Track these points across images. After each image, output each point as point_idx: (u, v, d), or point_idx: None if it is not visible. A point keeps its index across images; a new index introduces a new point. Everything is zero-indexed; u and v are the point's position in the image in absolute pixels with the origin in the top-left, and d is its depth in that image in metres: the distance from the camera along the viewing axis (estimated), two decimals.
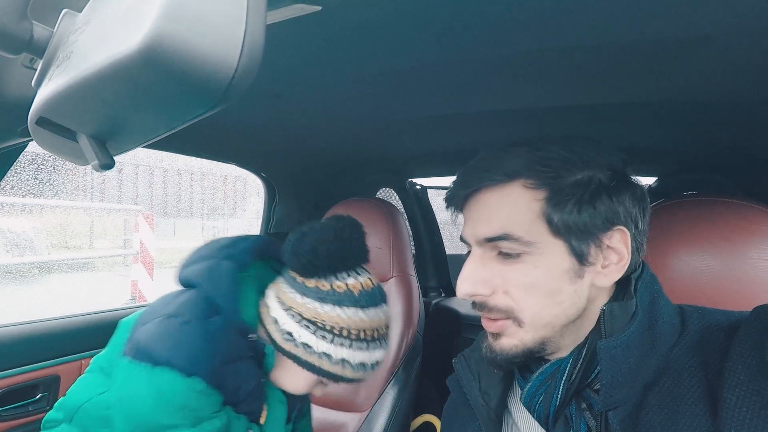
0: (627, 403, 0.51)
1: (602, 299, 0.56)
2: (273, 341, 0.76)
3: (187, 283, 0.76)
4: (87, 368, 0.75)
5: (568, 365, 0.54)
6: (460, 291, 0.55)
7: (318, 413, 1.25)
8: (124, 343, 0.69)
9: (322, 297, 0.74)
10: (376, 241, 1.35)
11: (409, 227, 1.77)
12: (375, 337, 0.77)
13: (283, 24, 0.49)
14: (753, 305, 0.51)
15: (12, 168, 0.76)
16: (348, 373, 0.75)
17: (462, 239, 0.59)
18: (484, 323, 0.57)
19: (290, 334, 0.74)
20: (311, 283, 0.75)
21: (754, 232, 0.69)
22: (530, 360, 0.56)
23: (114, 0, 0.26)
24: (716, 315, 0.54)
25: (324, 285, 0.75)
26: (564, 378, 0.53)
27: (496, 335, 0.56)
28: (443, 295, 1.85)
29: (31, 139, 0.65)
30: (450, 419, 0.72)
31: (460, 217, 0.61)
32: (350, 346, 0.74)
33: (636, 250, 0.54)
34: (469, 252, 0.59)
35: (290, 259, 0.75)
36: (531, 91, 0.78)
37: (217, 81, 0.23)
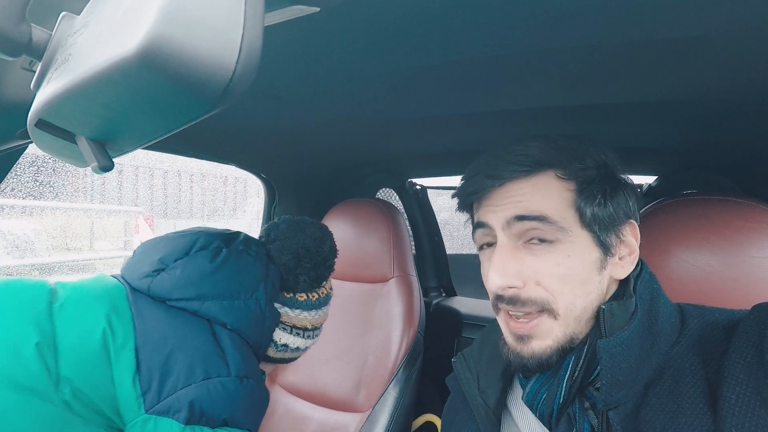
0: (627, 402, 0.50)
1: (609, 295, 0.56)
2: (265, 356, 0.81)
3: (205, 315, 0.68)
4: None
5: (571, 362, 0.53)
6: (493, 284, 0.53)
7: (319, 414, 1.25)
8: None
9: (309, 306, 0.82)
10: (374, 242, 1.35)
11: (409, 227, 1.78)
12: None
13: (281, 25, 0.49)
14: (753, 303, 0.51)
15: (12, 170, 0.76)
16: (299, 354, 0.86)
17: (481, 225, 0.57)
18: (513, 326, 0.54)
19: (285, 345, 0.81)
20: (302, 297, 0.81)
21: (754, 230, 0.69)
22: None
23: (112, 2, 0.26)
24: (716, 313, 0.54)
25: (312, 296, 0.82)
26: (567, 375, 0.53)
27: (525, 338, 0.53)
28: (444, 295, 1.85)
29: (31, 142, 0.65)
30: (449, 419, 0.72)
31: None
32: (318, 335, 0.86)
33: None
34: (489, 246, 0.58)
35: (288, 281, 0.79)
36: (531, 92, 0.78)
37: (215, 83, 0.23)
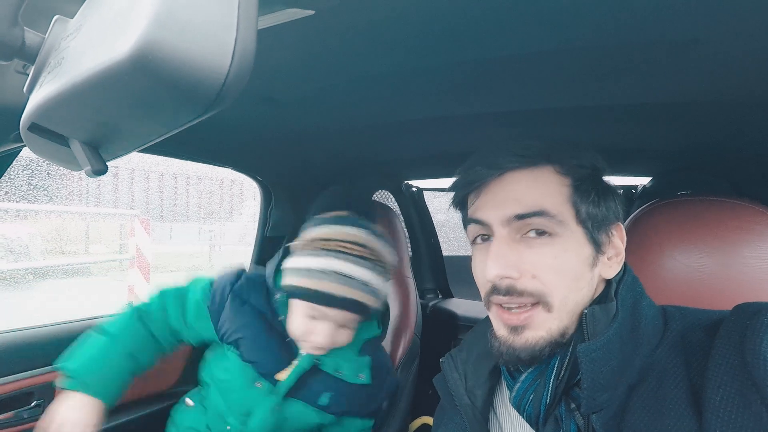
0: (611, 405, 0.51)
1: (597, 293, 0.57)
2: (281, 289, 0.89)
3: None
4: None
5: (556, 363, 0.54)
6: (490, 273, 0.53)
7: None
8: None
9: (319, 222, 0.89)
10: None
11: (405, 229, 1.77)
12: (336, 248, 0.84)
13: (277, 28, 0.49)
14: None
15: (6, 173, 0.75)
16: (312, 283, 0.82)
17: (476, 221, 0.57)
18: (506, 317, 0.54)
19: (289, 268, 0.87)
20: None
21: (748, 230, 0.69)
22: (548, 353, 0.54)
23: (105, 6, 0.26)
24: (697, 314, 0.55)
25: (327, 214, 0.90)
26: (552, 376, 0.53)
27: (519, 329, 0.53)
28: (440, 296, 1.85)
29: (24, 145, 0.65)
30: (438, 422, 0.72)
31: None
32: (316, 255, 0.84)
33: None
34: (484, 239, 0.58)
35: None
36: (525, 93, 0.78)
37: (208, 86, 0.23)
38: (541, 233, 0.53)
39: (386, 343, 1.22)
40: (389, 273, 0.89)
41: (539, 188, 0.54)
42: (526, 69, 0.67)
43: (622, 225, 0.58)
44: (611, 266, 0.56)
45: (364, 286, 0.83)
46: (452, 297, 1.87)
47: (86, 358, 0.83)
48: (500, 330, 0.55)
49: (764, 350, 0.43)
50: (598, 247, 0.55)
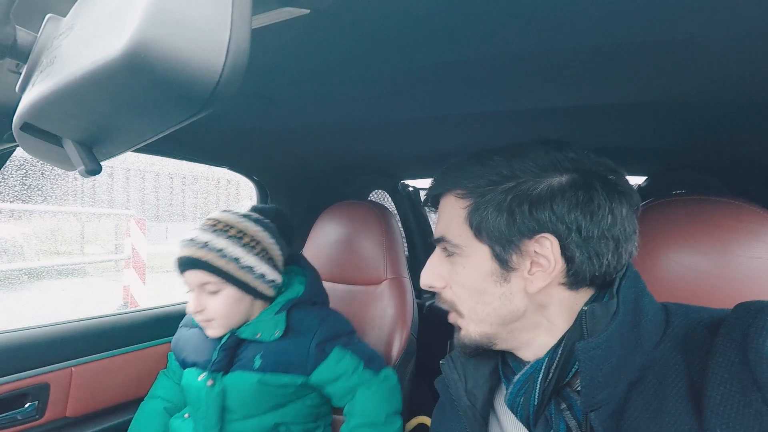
0: (609, 403, 0.50)
1: (560, 302, 0.55)
2: None
3: None
4: None
5: (544, 364, 0.54)
6: (421, 281, 0.64)
7: None
8: None
9: None
10: (368, 244, 1.35)
11: (402, 229, 1.77)
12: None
13: (272, 27, 0.49)
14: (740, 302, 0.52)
15: None
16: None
17: None
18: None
19: None
20: None
21: (742, 230, 0.69)
22: (483, 351, 0.61)
23: (98, 5, 0.26)
24: (699, 312, 0.54)
25: None
26: (540, 378, 0.54)
27: (456, 326, 0.62)
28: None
29: (18, 145, 0.64)
30: (438, 420, 0.72)
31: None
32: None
33: (589, 258, 0.53)
34: None
35: None
36: (521, 93, 0.78)
37: (202, 85, 0.22)
38: (449, 253, 0.60)
39: (381, 343, 1.22)
40: (251, 243, 0.97)
41: (444, 215, 0.61)
42: (521, 68, 0.67)
43: (551, 237, 0.53)
44: (534, 281, 0.54)
45: (205, 245, 0.92)
46: None
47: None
48: None
49: (767, 349, 0.43)
50: (503, 263, 0.55)
